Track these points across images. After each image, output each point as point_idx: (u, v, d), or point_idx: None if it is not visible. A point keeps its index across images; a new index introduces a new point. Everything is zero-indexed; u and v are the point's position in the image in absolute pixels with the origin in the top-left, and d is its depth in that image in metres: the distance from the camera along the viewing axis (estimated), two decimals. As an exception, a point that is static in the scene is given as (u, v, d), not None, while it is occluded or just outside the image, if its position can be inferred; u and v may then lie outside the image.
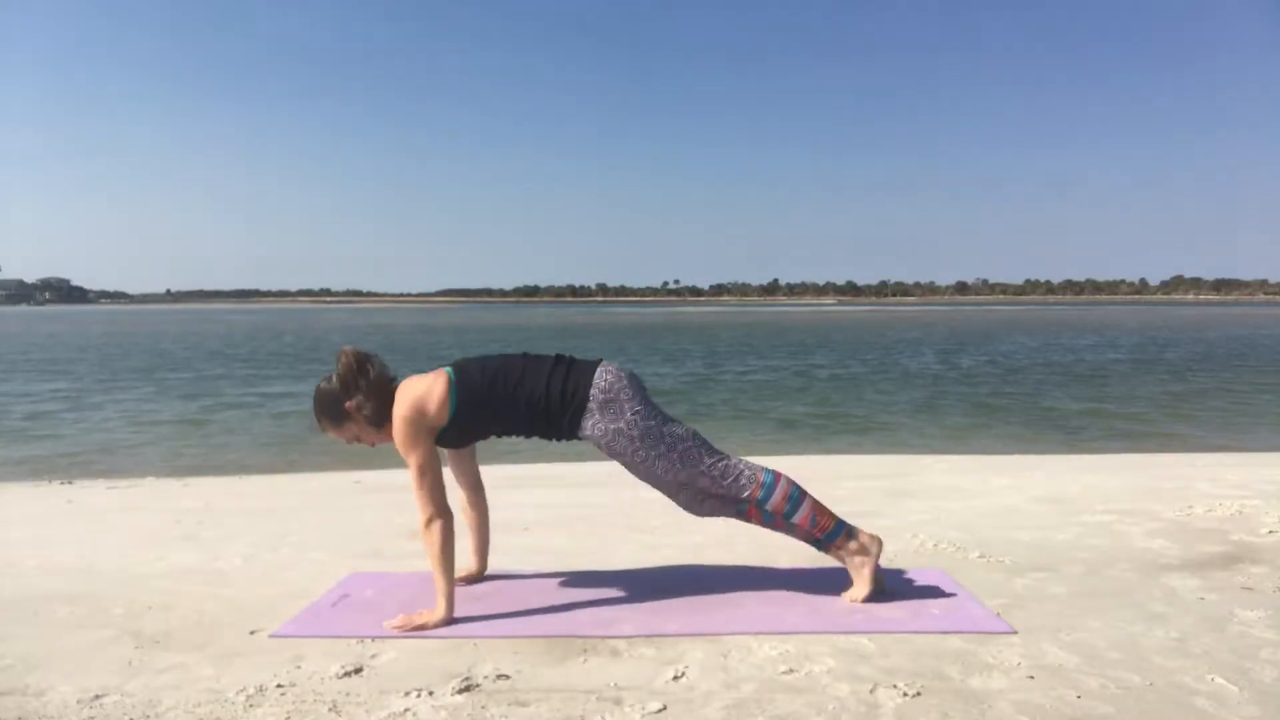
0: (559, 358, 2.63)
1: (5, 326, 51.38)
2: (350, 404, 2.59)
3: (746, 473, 2.56)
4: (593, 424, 2.52)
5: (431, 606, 2.49)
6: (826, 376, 16.61)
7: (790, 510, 2.57)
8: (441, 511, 2.49)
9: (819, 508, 2.60)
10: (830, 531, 2.60)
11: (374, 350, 2.70)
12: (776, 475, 2.59)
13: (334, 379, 2.61)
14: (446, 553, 2.48)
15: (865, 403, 12.54)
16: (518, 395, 2.54)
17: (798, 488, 2.59)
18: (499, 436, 2.66)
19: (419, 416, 2.52)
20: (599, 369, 2.57)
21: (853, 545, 2.61)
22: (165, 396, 13.58)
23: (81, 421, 10.91)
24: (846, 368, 18.64)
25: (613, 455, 2.55)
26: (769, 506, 2.57)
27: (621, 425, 2.51)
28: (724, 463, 2.57)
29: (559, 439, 2.60)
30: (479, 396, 2.54)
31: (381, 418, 2.60)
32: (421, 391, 2.54)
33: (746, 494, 2.56)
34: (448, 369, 2.61)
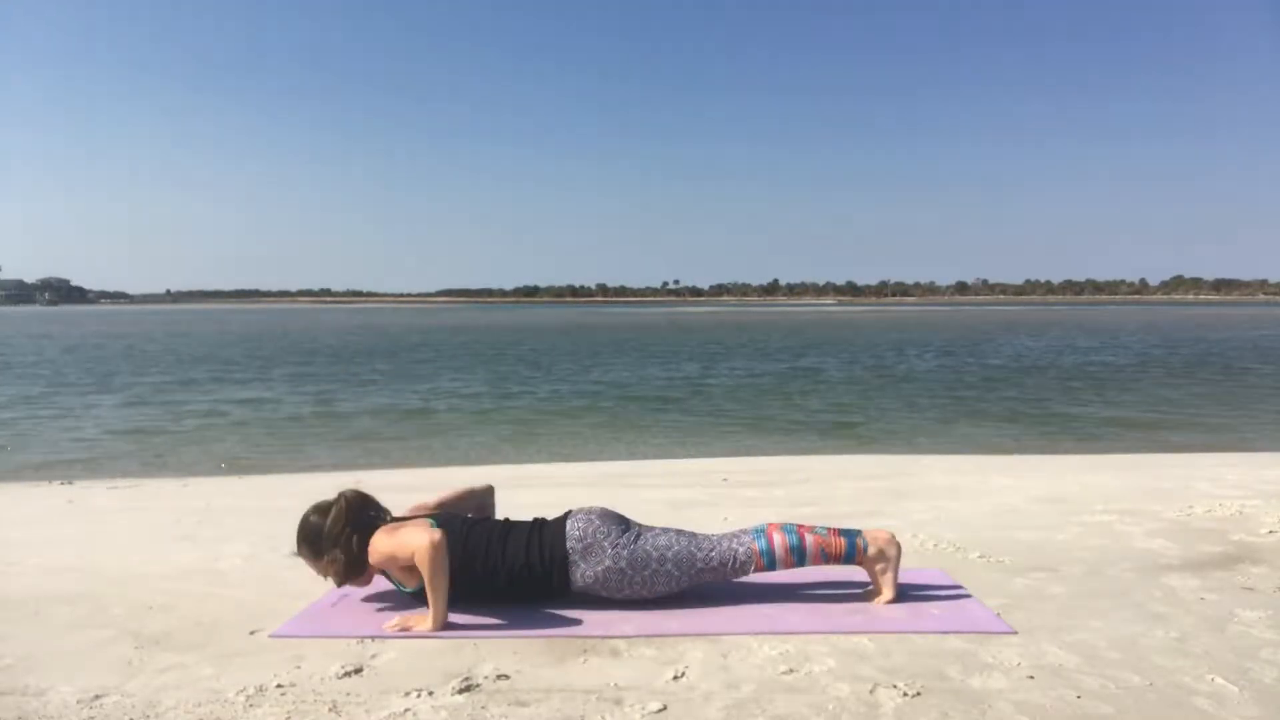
0: (534, 522, 2.66)
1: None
2: (326, 556, 2.58)
3: (741, 551, 2.58)
4: (581, 574, 2.55)
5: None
6: (827, 377, 16.61)
7: (799, 560, 2.59)
8: (429, 539, 2.42)
9: (824, 542, 2.60)
10: (846, 554, 2.62)
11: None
12: (769, 538, 2.59)
13: (326, 519, 2.59)
14: (439, 568, 2.41)
15: (866, 403, 12.53)
16: (499, 565, 2.55)
17: (795, 536, 2.59)
18: (475, 601, 2.60)
19: (393, 562, 2.51)
20: (569, 521, 2.60)
21: (872, 553, 2.63)
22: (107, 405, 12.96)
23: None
24: (847, 368, 18.64)
25: (612, 593, 2.56)
26: (779, 567, 2.60)
27: (608, 563, 2.53)
28: (717, 551, 2.58)
29: (555, 597, 2.60)
30: (460, 559, 2.52)
31: (358, 567, 2.59)
32: (396, 546, 2.49)
33: (752, 569, 2.58)
34: (431, 520, 2.60)
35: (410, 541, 2.45)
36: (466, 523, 2.65)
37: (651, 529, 2.64)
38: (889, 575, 2.63)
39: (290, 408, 12.19)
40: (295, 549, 2.69)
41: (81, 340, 33.25)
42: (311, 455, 8.32)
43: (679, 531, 2.63)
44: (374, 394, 13.91)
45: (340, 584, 2.65)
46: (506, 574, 2.56)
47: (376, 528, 2.60)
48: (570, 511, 2.65)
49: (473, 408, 12.17)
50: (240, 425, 10.53)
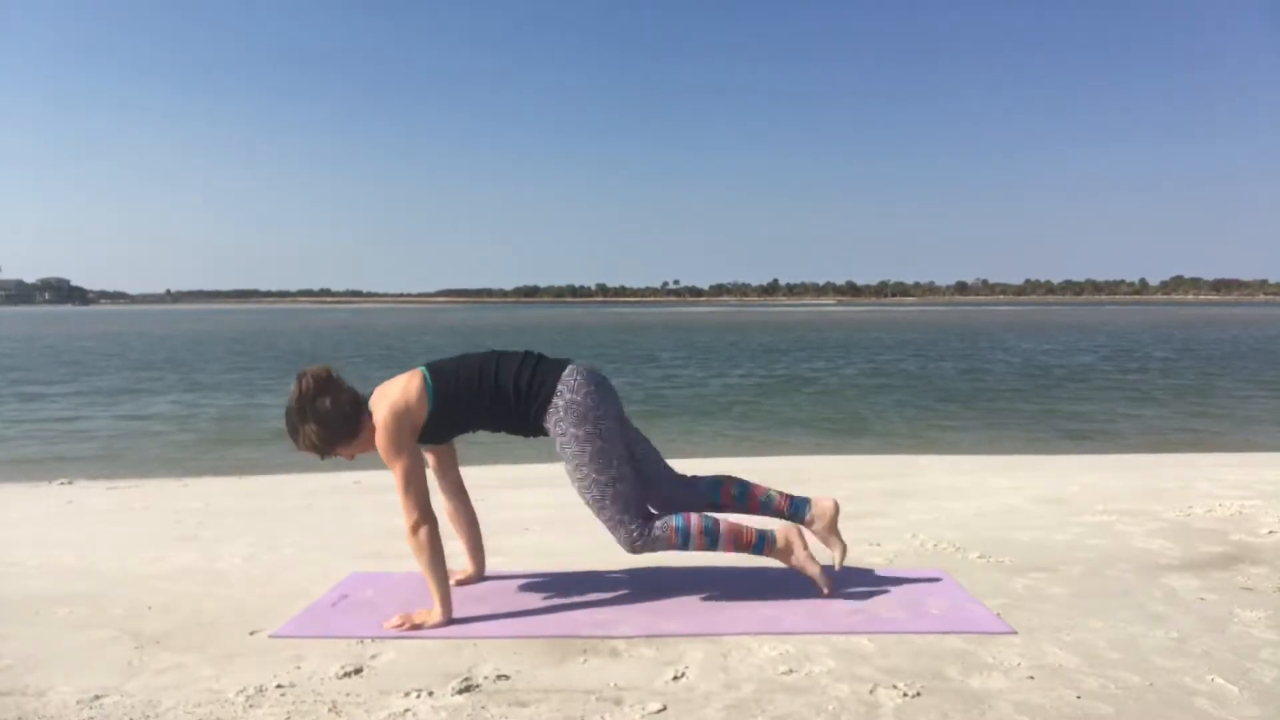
0: (528, 353, 2.66)
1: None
2: (304, 428, 2.56)
3: (660, 530, 2.57)
4: (555, 421, 2.55)
5: (430, 607, 2.50)
6: (827, 377, 16.61)
7: (710, 544, 2.60)
8: (426, 516, 2.49)
9: (736, 531, 2.61)
10: (755, 545, 2.64)
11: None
12: (686, 518, 2.60)
13: (294, 398, 2.57)
14: (436, 556, 2.48)
15: (866, 404, 12.54)
16: (488, 388, 2.57)
17: (710, 520, 2.61)
18: (474, 431, 2.67)
19: (400, 420, 2.51)
20: (568, 369, 2.60)
21: (780, 547, 2.65)
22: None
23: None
24: (846, 369, 18.64)
25: (561, 455, 2.57)
26: (691, 547, 2.60)
27: (580, 433, 2.53)
28: (642, 524, 2.57)
29: (526, 433, 2.62)
30: (453, 390, 2.56)
31: (349, 431, 2.57)
32: (397, 394, 2.54)
33: (664, 543, 2.58)
34: (422, 368, 2.62)
35: (402, 482, 2.47)
36: (457, 360, 2.64)
37: (642, 442, 2.68)
38: (811, 567, 2.64)
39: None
40: (291, 443, 2.64)
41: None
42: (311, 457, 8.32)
43: (635, 483, 2.59)
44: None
45: (346, 447, 2.60)
46: (494, 394, 2.55)
47: (352, 394, 2.58)
48: (572, 361, 2.64)
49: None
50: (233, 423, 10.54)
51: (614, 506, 2.55)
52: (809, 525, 2.72)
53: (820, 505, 2.73)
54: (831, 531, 2.72)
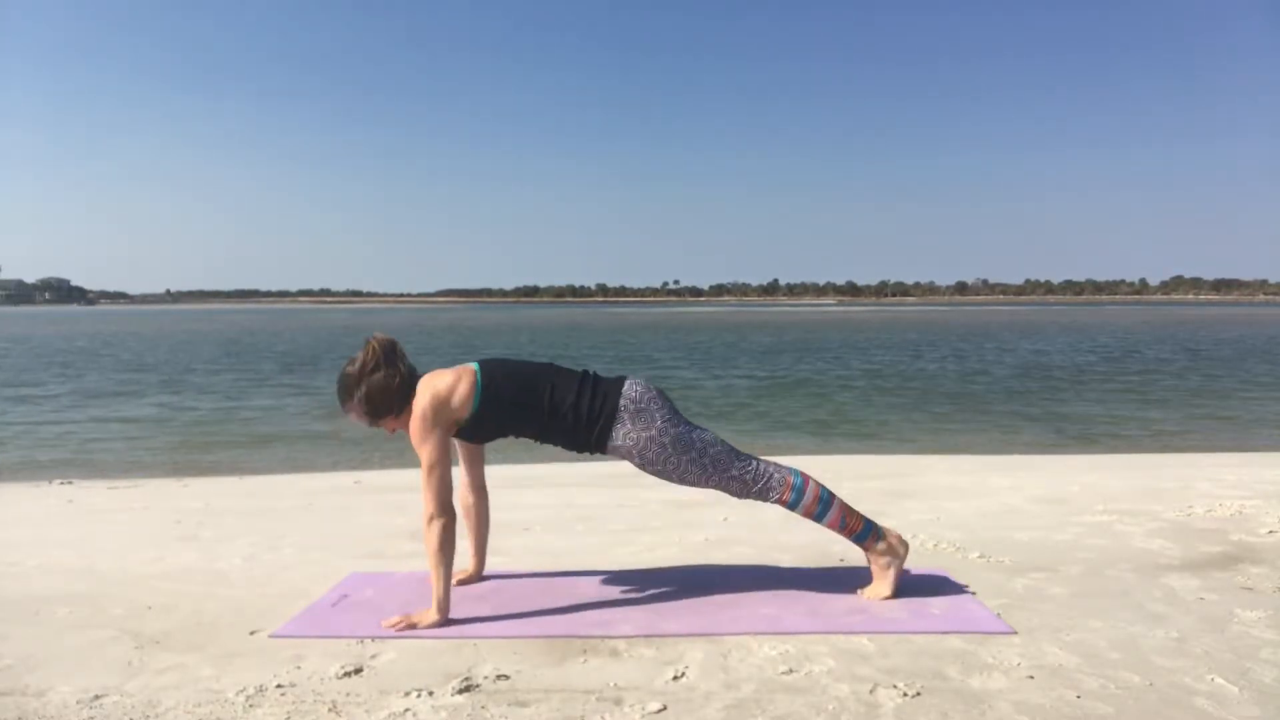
0: (585, 374, 2.66)
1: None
2: (363, 387, 2.57)
3: (776, 476, 2.60)
4: (624, 433, 2.55)
5: (429, 606, 2.49)
6: (829, 377, 16.61)
7: (820, 513, 2.61)
8: (445, 510, 2.49)
9: (848, 511, 2.64)
10: (859, 534, 2.65)
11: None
12: (805, 479, 2.62)
13: (359, 362, 2.60)
14: (445, 551, 2.48)
15: (866, 404, 12.54)
16: (546, 403, 2.56)
17: (826, 491, 2.63)
18: (514, 436, 2.67)
19: (438, 412, 2.52)
20: (627, 382, 2.62)
21: (880, 546, 2.66)
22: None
23: None
24: (847, 369, 18.64)
25: (644, 463, 2.57)
26: (799, 510, 2.62)
27: (654, 433, 2.54)
28: (753, 467, 2.60)
29: (582, 450, 2.62)
30: (505, 397, 2.56)
31: (397, 408, 2.60)
32: (445, 387, 2.54)
33: (777, 497, 2.60)
34: (474, 364, 2.62)
35: (426, 469, 2.47)
36: (511, 363, 2.65)
37: (703, 428, 2.66)
38: (891, 572, 2.65)
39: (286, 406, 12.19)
40: (341, 408, 2.66)
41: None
42: (311, 458, 8.32)
43: (722, 439, 2.65)
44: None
45: (376, 420, 2.62)
46: (551, 411, 2.56)
47: (410, 371, 2.61)
48: (628, 375, 2.67)
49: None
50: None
51: (718, 471, 2.57)
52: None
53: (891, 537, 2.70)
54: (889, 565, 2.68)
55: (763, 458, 2.68)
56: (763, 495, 2.60)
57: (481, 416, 2.56)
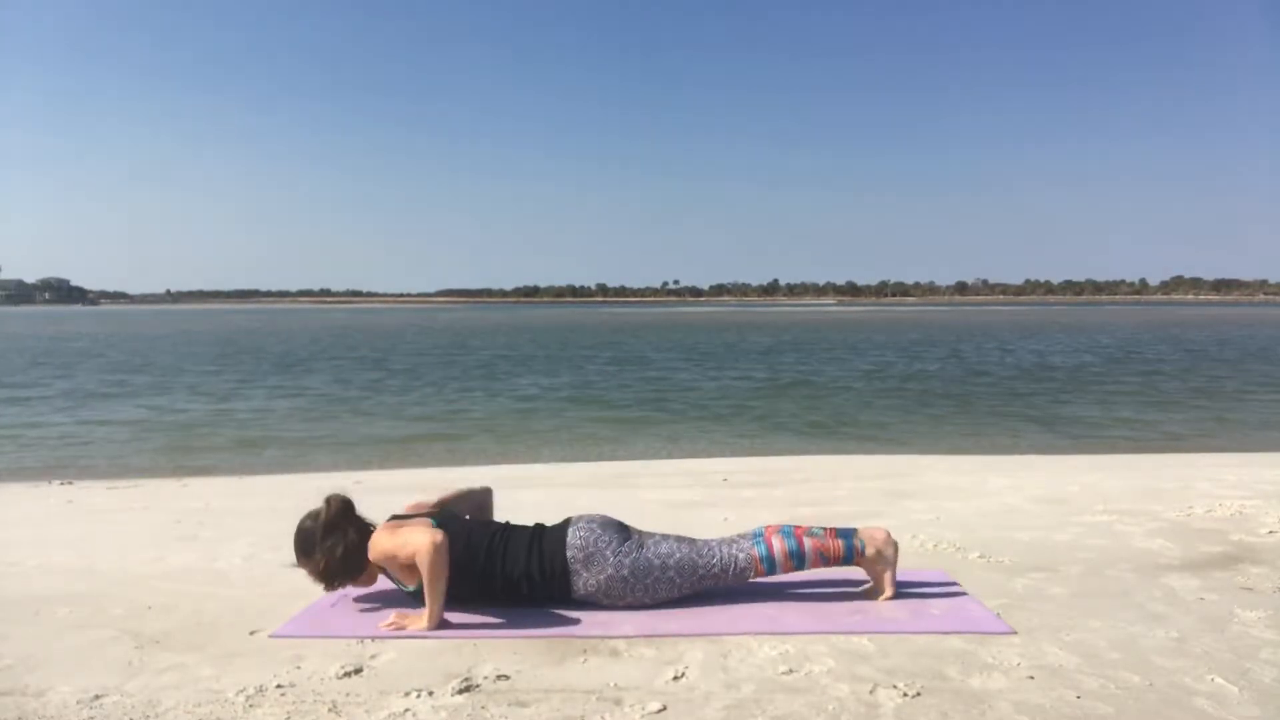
0: (535, 529, 2.66)
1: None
2: (317, 554, 2.59)
3: (742, 557, 2.60)
4: (583, 583, 2.55)
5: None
6: (827, 378, 16.61)
7: (799, 564, 2.61)
8: (430, 540, 2.41)
9: (822, 544, 2.62)
10: (844, 558, 2.64)
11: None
12: (768, 543, 2.60)
13: (317, 522, 2.61)
14: (438, 572, 2.40)
15: (866, 404, 12.53)
16: (499, 572, 2.56)
17: (793, 541, 2.60)
18: (472, 603, 2.60)
19: (393, 550, 2.50)
20: (570, 530, 2.60)
21: (870, 555, 2.65)
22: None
23: None
24: (847, 369, 18.64)
25: (613, 600, 2.56)
26: (779, 572, 2.62)
27: (610, 572, 2.54)
28: (718, 558, 2.59)
29: (554, 605, 2.59)
30: (459, 559, 2.51)
31: (352, 568, 2.61)
32: (397, 545, 2.49)
33: (752, 575, 2.61)
34: (432, 519, 2.60)
35: (411, 540, 2.45)
36: (466, 524, 2.65)
37: (652, 535, 2.65)
38: (888, 574, 2.65)
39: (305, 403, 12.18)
40: (295, 561, 2.69)
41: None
42: (316, 458, 8.32)
43: (679, 538, 2.64)
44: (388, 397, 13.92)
45: (331, 585, 2.64)
46: (504, 580, 2.56)
47: (369, 529, 2.62)
48: (570, 519, 2.65)
49: (484, 408, 12.17)
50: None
51: (686, 579, 2.57)
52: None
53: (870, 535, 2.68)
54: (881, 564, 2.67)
55: (722, 539, 2.65)
56: (740, 579, 2.60)
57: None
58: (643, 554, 2.56)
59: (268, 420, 10.97)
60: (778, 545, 2.59)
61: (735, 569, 2.58)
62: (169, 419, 11.14)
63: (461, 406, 12.30)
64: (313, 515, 2.65)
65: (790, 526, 2.67)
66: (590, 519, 2.64)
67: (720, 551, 2.60)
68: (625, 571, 2.53)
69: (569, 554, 2.55)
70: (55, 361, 21.95)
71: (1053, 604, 2.61)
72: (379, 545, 2.53)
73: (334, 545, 2.58)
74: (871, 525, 2.83)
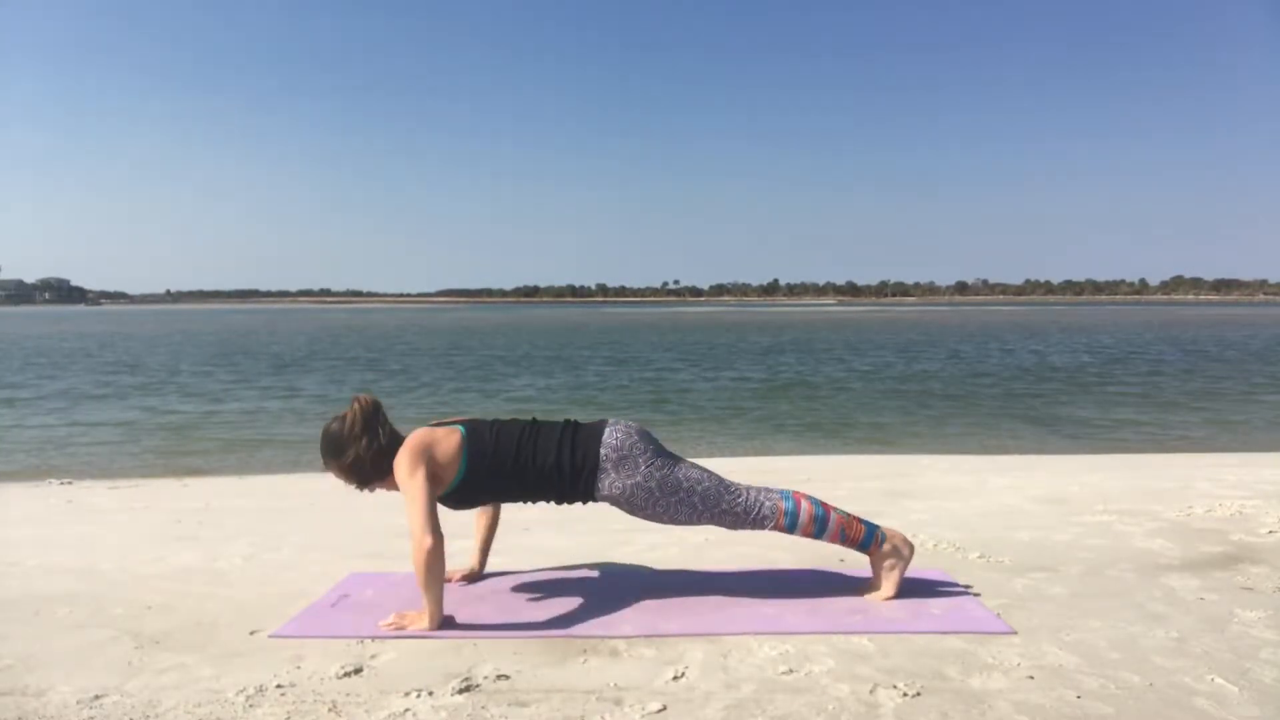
0: (567, 423, 2.65)
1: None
2: (349, 453, 2.58)
3: (767, 504, 2.59)
4: (609, 483, 2.55)
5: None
6: (828, 378, 16.61)
7: (818, 531, 2.61)
8: (432, 532, 2.39)
9: (847, 522, 2.62)
10: (862, 541, 2.64)
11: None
12: (797, 502, 2.60)
13: (344, 423, 2.59)
14: (434, 571, 2.39)
15: (866, 403, 12.54)
16: (530, 463, 2.55)
17: (820, 507, 2.61)
18: (505, 502, 2.65)
19: (422, 455, 2.50)
20: (607, 429, 2.60)
21: (885, 549, 2.65)
22: None
23: None
24: (847, 369, 18.64)
25: (633, 509, 2.57)
26: (797, 533, 2.61)
27: (639, 479, 2.54)
28: (743, 498, 2.59)
29: (574, 503, 2.62)
30: (490, 460, 2.54)
31: (382, 469, 2.59)
32: (431, 440, 2.53)
33: (771, 525, 2.60)
34: (460, 427, 2.61)
35: (411, 513, 2.42)
36: (495, 425, 2.64)
37: (685, 460, 2.65)
38: (895, 574, 2.65)
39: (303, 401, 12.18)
40: (323, 465, 2.67)
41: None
42: (314, 458, 8.29)
43: (711, 472, 2.64)
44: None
45: (365, 484, 2.63)
46: (536, 473, 2.55)
47: (399, 436, 2.60)
48: (608, 420, 2.65)
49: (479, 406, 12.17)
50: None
51: (708, 508, 2.56)
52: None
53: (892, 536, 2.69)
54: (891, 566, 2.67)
55: (752, 485, 2.67)
56: (757, 525, 2.59)
57: (468, 481, 2.55)
58: (674, 472, 2.56)
59: (259, 420, 10.96)
60: (805, 506, 2.59)
61: (757, 514, 2.57)
62: (161, 419, 11.13)
63: (458, 407, 12.30)
64: (339, 418, 2.62)
65: (819, 499, 2.67)
66: (629, 424, 2.64)
67: (747, 494, 2.60)
68: (653, 484, 2.53)
69: (603, 451, 2.55)
70: (49, 361, 21.96)
71: (1053, 604, 2.62)
72: (400, 466, 2.50)
73: (370, 441, 2.56)
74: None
